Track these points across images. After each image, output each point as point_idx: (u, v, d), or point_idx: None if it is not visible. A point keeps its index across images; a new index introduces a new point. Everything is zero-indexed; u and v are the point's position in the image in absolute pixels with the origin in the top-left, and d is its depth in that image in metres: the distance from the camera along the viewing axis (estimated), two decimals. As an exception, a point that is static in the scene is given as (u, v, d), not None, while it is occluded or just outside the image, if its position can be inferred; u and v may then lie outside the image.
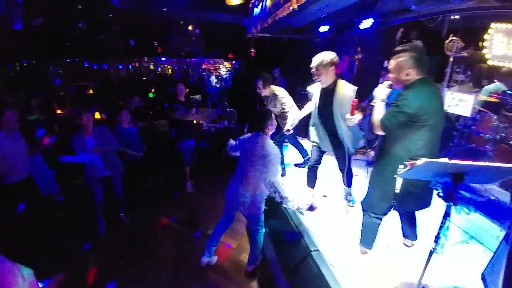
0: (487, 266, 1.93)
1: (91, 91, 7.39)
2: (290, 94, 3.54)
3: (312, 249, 2.13)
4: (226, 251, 2.90)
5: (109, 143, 3.05)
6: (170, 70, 11.02)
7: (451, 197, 1.38)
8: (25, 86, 6.44)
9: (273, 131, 2.32)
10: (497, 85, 3.44)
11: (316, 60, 2.45)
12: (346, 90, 2.44)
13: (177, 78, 10.22)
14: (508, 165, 1.42)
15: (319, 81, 2.53)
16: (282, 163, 3.77)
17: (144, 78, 9.56)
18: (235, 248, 2.97)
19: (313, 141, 2.85)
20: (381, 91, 1.91)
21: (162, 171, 4.78)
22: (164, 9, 6.57)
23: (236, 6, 5.75)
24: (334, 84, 2.49)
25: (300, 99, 4.33)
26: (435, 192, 1.42)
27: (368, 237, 2.16)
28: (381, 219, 2.07)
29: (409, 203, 1.93)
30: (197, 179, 4.40)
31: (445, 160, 1.28)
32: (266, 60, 6.63)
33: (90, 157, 2.91)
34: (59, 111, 5.46)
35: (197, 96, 6.83)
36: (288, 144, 4.25)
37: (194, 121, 4.25)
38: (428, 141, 1.74)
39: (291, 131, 3.12)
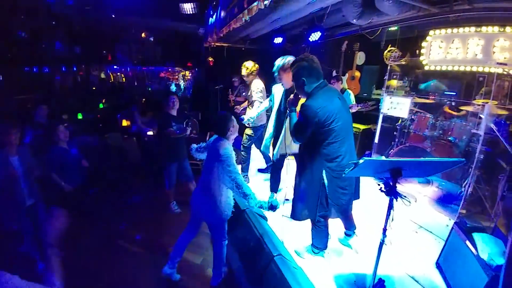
0: (440, 254, 2.09)
1: (29, 105, 6.52)
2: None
3: (274, 254, 2.14)
4: (191, 268, 2.77)
5: (35, 166, 2.67)
6: (124, 79, 10.38)
7: (392, 191, 1.52)
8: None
9: (236, 133, 2.34)
10: (434, 83, 3.73)
11: (277, 65, 2.64)
12: None
13: (128, 87, 9.65)
14: (440, 159, 1.61)
15: (281, 83, 2.71)
16: (247, 169, 3.78)
17: (94, 88, 8.83)
18: (199, 264, 2.85)
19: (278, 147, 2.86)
20: (291, 102, 2.07)
21: (116, 188, 4.40)
22: (113, 16, 6.23)
23: (191, 14, 5.70)
24: None
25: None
26: (378, 187, 1.54)
27: (319, 241, 2.23)
28: (325, 224, 2.14)
29: (342, 201, 2.01)
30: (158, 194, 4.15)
31: (382, 158, 1.41)
32: (225, 69, 6.66)
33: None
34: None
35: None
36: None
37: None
38: (341, 140, 1.89)
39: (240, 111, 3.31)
